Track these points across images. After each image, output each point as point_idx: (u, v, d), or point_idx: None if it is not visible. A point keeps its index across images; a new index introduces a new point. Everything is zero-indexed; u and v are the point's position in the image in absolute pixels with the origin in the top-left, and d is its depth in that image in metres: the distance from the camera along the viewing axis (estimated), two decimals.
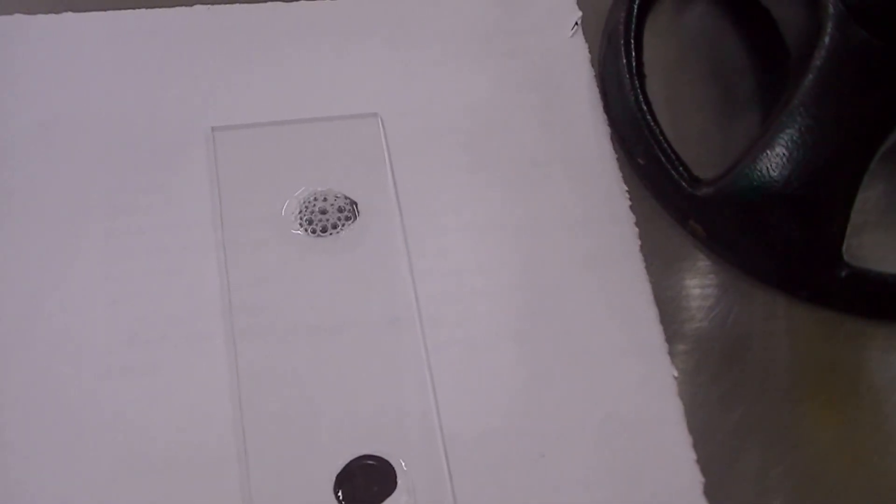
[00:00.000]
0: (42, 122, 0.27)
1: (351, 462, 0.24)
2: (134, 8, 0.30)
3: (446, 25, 0.30)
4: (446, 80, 0.29)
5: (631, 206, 0.28)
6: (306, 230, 0.27)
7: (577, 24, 0.31)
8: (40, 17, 0.29)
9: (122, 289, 0.25)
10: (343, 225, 0.27)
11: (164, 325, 0.25)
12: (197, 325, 0.25)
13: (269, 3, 0.30)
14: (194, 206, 0.26)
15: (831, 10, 0.27)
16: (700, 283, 0.28)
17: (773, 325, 0.28)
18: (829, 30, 0.27)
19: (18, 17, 0.29)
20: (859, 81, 0.27)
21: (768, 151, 0.27)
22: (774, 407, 0.27)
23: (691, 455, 0.25)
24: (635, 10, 0.30)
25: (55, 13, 0.30)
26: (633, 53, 0.29)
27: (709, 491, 0.25)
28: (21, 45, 0.29)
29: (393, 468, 0.24)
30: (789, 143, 0.27)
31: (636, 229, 0.28)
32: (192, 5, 0.30)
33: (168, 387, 0.24)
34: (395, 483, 0.24)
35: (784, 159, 0.27)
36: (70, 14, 0.29)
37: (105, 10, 0.30)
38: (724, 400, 0.27)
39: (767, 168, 0.27)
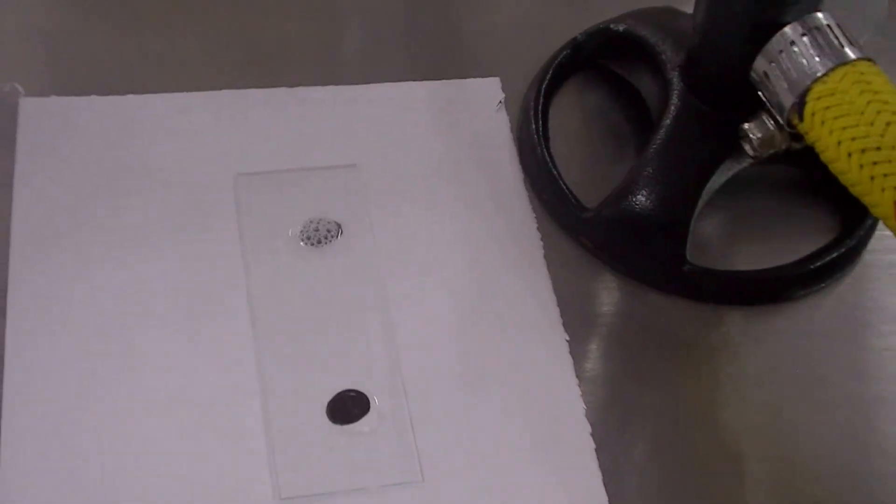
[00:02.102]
0: (107, 179, 0.38)
1: (338, 394, 0.34)
2: (177, 91, 0.41)
3: (406, 109, 0.42)
4: (409, 144, 0.41)
5: (538, 228, 0.39)
6: (306, 243, 0.38)
7: (500, 102, 0.42)
8: (111, 98, 0.40)
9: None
10: (331, 239, 0.38)
11: (198, 308, 0.36)
12: (226, 308, 0.36)
13: (280, 89, 0.42)
14: (226, 228, 0.37)
15: (676, 87, 0.39)
16: (588, 281, 0.39)
17: (640, 309, 0.38)
18: (674, 100, 0.39)
19: (94, 98, 0.40)
20: (695, 136, 0.38)
21: (632, 186, 0.38)
22: (646, 373, 0.37)
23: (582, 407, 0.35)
24: (542, 93, 0.42)
25: (119, 95, 0.41)
26: (540, 122, 0.41)
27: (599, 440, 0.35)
28: (93, 121, 0.40)
29: (367, 398, 0.34)
30: (647, 181, 0.38)
31: (542, 244, 0.39)
32: (220, 90, 0.41)
33: (205, 341, 0.35)
34: (369, 408, 0.34)
35: (644, 192, 0.38)
36: (132, 96, 0.41)
37: (151, 93, 0.41)
38: (609, 370, 0.37)
39: (632, 198, 0.38)
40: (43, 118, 0.39)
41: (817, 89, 0.34)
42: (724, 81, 0.37)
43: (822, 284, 0.40)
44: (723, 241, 0.41)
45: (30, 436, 0.32)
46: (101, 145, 0.39)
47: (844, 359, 0.39)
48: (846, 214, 0.41)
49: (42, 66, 0.42)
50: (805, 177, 0.42)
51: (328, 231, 0.38)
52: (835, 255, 0.40)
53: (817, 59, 0.34)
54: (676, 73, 0.39)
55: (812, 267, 0.39)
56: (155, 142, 0.39)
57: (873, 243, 0.41)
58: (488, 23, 0.46)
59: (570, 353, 0.36)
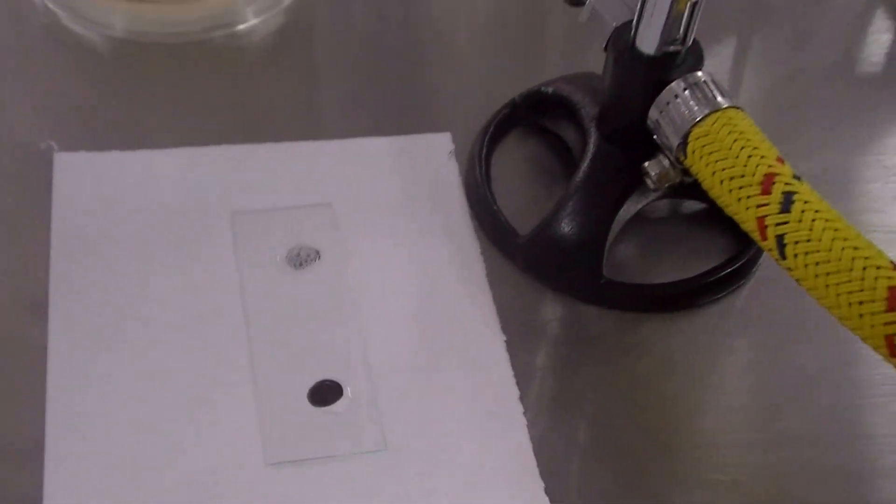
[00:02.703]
0: (130, 218, 0.47)
1: (317, 382, 0.43)
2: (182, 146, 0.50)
3: (373, 159, 0.50)
4: (375, 186, 0.49)
5: (481, 252, 0.47)
6: (291, 266, 0.46)
7: (451, 152, 0.51)
8: (130, 152, 0.49)
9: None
10: (311, 263, 0.46)
11: (205, 316, 0.44)
12: (226, 316, 0.44)
13: (268, 143, 0.50)
14: (226, 254, 0.46)
15: (592, 135, 0.48)
16: (521, 294, 0.47)
17: (564, 316, 0.47)
18: (591, 146, 0.47)
19: (115, 153, 0.49)
20: (607, 174, 0.47)
21: (557, 216, 0.47)
22: (570, 367, 0.45)
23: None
24: (485, 144, 0.50)
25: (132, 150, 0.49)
26: (483, 167, 0.49)
27: (530, 419, 0.43)
28: (116, 171, 0.48)
29: (341, 386, 0.43)
30: (568, 212, 0.46)
31: (484, 265, 0.47)
32: (219, 145, 0.50)
33: (195, 346, 0.43)
34: (342, 394, 0.42)
35: (566, 221, 0.46)
36: (147, 150, 0.49)
37: (156, 148, 0.50)
38: (537, 365, 0.45)
39: (556, 226, 0.46)
40: (75, 170, 0.48)
41: (696, 131, 0.43)
42: (629, 129, 0.46)
43: (722, 294, 0.48)
44: (638, 259, 0.49)
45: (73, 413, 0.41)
46: (123, 191, 0.47)
47: (743, 355, 0.46)
48: (740, 238, 0.49)
49: (73, 126, 0.50)
50: (706, 209, 0.50)
51: (308, 256, 0.46)
52: (730, 269, 0.48)
53: (696, 107, 0.43)
54: (593, 124, 0.48)
55: (712, 279, 0.48)
56: (167, 188, 0.48)
57: (765, 260, 0.49)
58: (442, 86, 0.55)
59: (507, 350, 0.45)
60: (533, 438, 0.42)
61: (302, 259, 0.46)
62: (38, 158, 0.49)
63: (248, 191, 0.48)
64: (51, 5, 0.56)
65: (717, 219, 0.47)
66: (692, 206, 0.50)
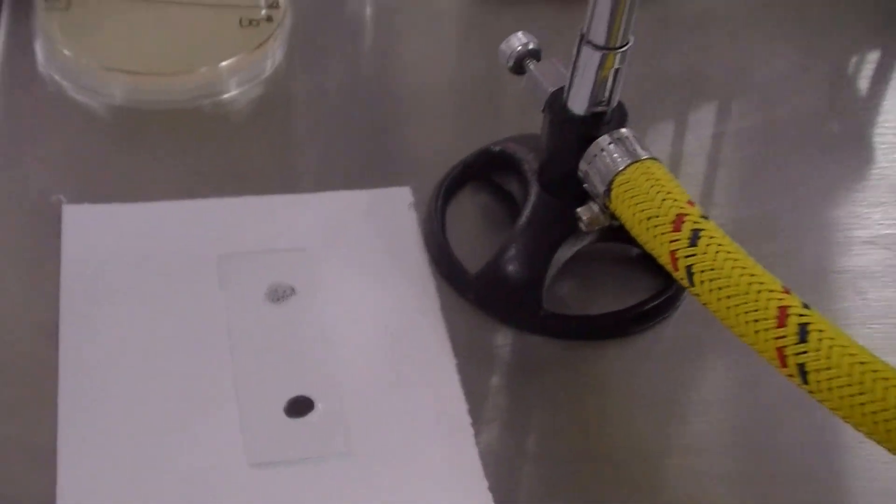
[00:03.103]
0: (132, 262, 0.53)
1: (292, 398, 0.49)
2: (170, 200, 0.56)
3: (342, 209, 0.57)
4: (343, 233, 0.56)
5: (436, 288, 0.54)
6: (271, 301, 0.53)
7: (411, 204, 0.58)
8: (130, 204, 0.56)
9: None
10: (288, 298, 0.53)
11: (196, 343, 0.50)
12: (215, 343, 0.50)
13: (250, 196, 0.57)
14: (213, 290, 0.52)
15: (534, 186, 0.54)
16: (472, 325, 0.54)
17: (509, 344, 0.53)
18: (532, 196, 0.54)
19: (117, 205, 0.56)
20: (546, 220, 0.54)
21: (502, 257, 0.53)
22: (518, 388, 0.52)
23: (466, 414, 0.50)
24: (441, 197, 0.57)
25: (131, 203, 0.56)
26: (439, 217, 0.56)
27: (478, 432, 0.49)
28: (119, 221, 0.55)
29: (313, 401, 0.49)
30: (512, 253, 0.53)
31: (438, 300, 0.54)
32: (207, 198, 0.56)
33: (183, 375, 0.49)
34: (314, 407, 0.49)
35: (509, 261, 0.53)
36: (145, 203, 0.56)
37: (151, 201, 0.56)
38: (487, 389, 0.52)
39: (501, 265, 0.53)
40: (81, 220, 0.54)
41: (618, 179, 0.49)
42: (563, 180, 0.52)
43: (650, 324, 0.54)
44: (576, 294, 0.55)
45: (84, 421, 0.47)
46: (125, 238, 0.54)
47: (669, 376, 0.53)
48: (665, 275, 0.55)
49: (79, 182, 0.57)
50: (634, 250, 0.57)
51: (285, 292, 0.53)
52: (657, 302, 0.54)
53: (619, 159, 0.50)
54: (534, 177, 0.55)
55: (641, 311, 0.54)
56: (163, 234, 0.54)
57: (688, 294, 0.56)
58: (405, 145, 0.61)
59: (458, 371, 0.51)
60: (480, 446, 0.48)
61: (279, 295, 0.53)
62: (48, 210, 0.55)
63: (233, 237, 0.55)
64: (57, 77, 0.62)
65: (645, 259, 0.54)
66: (623, 247, 0.57)
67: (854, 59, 0.72)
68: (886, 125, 0.68)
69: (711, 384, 0.53)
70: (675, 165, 0.63)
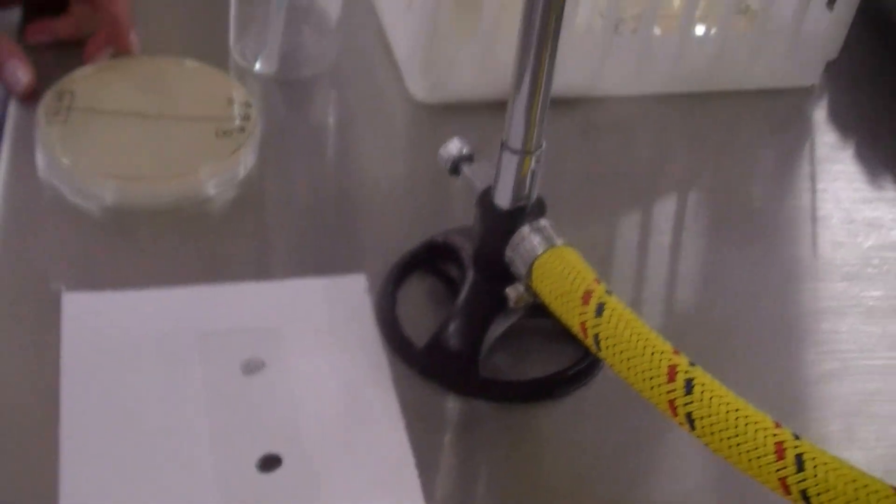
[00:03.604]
0: (125, 340, 0.62)
1: (263, 455, 0.57)
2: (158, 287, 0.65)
3: (306, 294, 0.66)
4: (307, 315, 0.64)
5: (387, 359, 0.63)
6: (244, 373, 0.61)
7: (366, 288, 0.67)
8: (122, 292, 0.64)
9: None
10: (259, 370, 0.61)
11: (179, 408, 0.59)
12: (195, 408, 0.59)
13: (228, 284, 0.66)
14: (195, 363, 0.61)
15: (470, 271, 0.63)
16: (418, 392, 0.62)
17: (452, 407, 0.62)
18: (469, 279, 0.63)
19: (110, 293, 0.64)
20: (480, 299, 0.62)
21: (442, 333, 0.62)
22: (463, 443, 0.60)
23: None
24: (392, 282, 0.66)
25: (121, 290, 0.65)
26: (390, 299, 0.65)
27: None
28: (113, 307, 0.64)
29: (280, 458, 0.57)
30: (452, 329, 0.62)
31: (389, 370, 0.62)
32: (190, 285, 0.65)
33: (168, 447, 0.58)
34: (282, 463, 0.57)
35: (449, 336, 0.62)
36: (135, 291, 0.64)
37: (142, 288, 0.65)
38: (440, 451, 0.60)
39: (442, 340, 0.62)
40: (79, 306, 0.63)
41: (537, 263, 0.58)
42: (493, 264, 0.61)
43: (575, 387, 0.63)
44: (509, 362, 0.63)
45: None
46: (117, 320, 0.62)
47: (595, 432, 0.61)
48: None
49: (76, 273, 0.65)
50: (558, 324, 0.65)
51: (257, 365, 0.61)
52: (579, 367, 0.63)
53: (538, 245, 0.59)
54: (470, 262, 0.64)
55: (566, 376, 0.62)
56: (150, 317, 0.63)
57: None
58: (363, 237, 0.70)
59: (406, 430, 0.59)
60: (425, 495, 0.56)
61: (252, 368, 0.61)
62: (50, 297, 0.63)
63: (212, 319, 0.63)
64: (56, 182, 0.71)
65: (567, 330, 0.62)
66: (547, 322, 0.65)
67: (752, 156, 0.82)
68: (780, 209, 0.78)
69: (629, 435, 0.61)
70: (596, 250, 0.72)
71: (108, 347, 0.61)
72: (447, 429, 0.61)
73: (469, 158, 0.64)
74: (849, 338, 0.69)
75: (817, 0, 0.85)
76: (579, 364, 0.63)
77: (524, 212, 0.60)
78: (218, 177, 0.71)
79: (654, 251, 0.74)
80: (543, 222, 0.60)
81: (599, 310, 0.55)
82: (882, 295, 0.72)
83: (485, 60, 0.76)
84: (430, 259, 0.68)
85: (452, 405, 0.62)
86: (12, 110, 0.76)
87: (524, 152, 0.58)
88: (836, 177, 0.82)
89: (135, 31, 0.78)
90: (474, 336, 0.62)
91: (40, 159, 0.72)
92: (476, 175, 0.62)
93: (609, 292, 0.56)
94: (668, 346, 0.54)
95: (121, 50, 0.78)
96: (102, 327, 0.62)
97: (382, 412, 0.60)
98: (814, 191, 0.81)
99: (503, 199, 0.60)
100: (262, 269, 0.68)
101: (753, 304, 0.70)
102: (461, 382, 0.62)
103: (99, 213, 0.70)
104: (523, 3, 0.53)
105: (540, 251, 0.58)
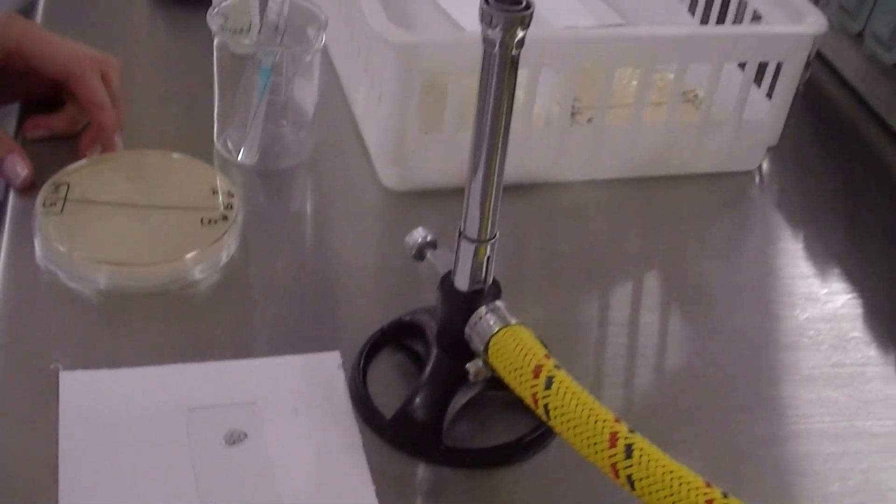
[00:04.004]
0: (119, 417, 0.67)
1: None
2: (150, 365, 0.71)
3: (285, 370, 0.72)
4: (286, 388, 0.70)
5: (359, 430, 0.68)
6: (227, 444, 0.67)
7: (340, 365, 0.72)
8: (116, 370, 0.70)
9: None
10: (241, 441, 0.67)
11: (169, 475, 0.64)
12: (183, 475, 0.64)
13: (213, 362, 0.71)
14: (182, 435, 0.66)
15: (434, 348, 0.69)
16: (387, 459, 0.67)
17: (418, 473, 0.67)
18: (433, 355, 0.69)
19: (104, 371, 0.70)
20: (443, 373, 0.68)
21: (408, 405, 0.68)
22: None
23: None
24: (363, 358, 0.71)
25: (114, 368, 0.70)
26: (361, 374, 0.70)
27: None
28: (107, 385, 0.69)
29: None
30: (417, 402, 0.68)
31: (361, 439, 0.68)
32: (177, 364, 0.71)
33: None
34: None
35: (415, 408, 0.67)
36: (128, 369, 0.70)
37: (135, 366, 0.70)
38: None
39: (408, 412, 0.67)
40: (76, 383, 0.69)
41: (493, 340, 0.64)
42: (455, 341, 0.67)
43: (531, 453, 0.68)
44: (471, 431, 0.68)
45: None
46: (111, 396, 0.68)
47: (552, 493, 0.66)
48: None
49: (72, 353, 0.71)
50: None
51: (239, 436, 0.67)
52: (535, 435, 0.68)
53: (493, 324, 0.65)
54: (434, 340, 0.70)
55: (523, 443, 0.68)
56: (142, 393, 0.68)
57: None
58: (337, 318, 0.76)
59: (376, 495, 0.65)
60: None
61: (235, 439, 0.67)
62: (48, 375, 0.69)
63: (198, 394, 0.69)
64: (52, 267, 0.76)
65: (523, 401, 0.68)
66: (505, 394, 0.71)
67: (700, 235, 0.89)
68: (725, 285, 0.84)
69: (584, 496, 0.67)
70: (557, 326, 0.77)
71: (104, 422, 0.67)
72: (415, 495, 0.66)
73: (432, 245, 0.70)
74: (787, 403, 0.75)
75: (758, 90, 0.92)
76: (536, 431, 0.69)
77: (482, 294, 0.66)
78: (203, 262, 0.77)
79: (611, 326, 0.80)
80: (499, 303, 0.66)
81: (548, 382, 0.61)
82: (817, 364, 0.78)
83: (449, 151, 0.82)
84: (399, 336, 0.74)
85: (420, 472, 0.67)
86: (12, 201, 0.82)
87: (479, 241, 0.64)
88: (776, 253, 0.88)
89: (119, 134, 0.85)
90: (439, 407, 0.67)
91: (38, 246, 0.77)
92: (438, 260, 0.69)
93: (557, 367, 0.62)
94: (610, 415, 0.59)
95: (107, 151, 0.84)
96: (98, 403, 0.67)
97: (354, 479, 0.65)
98: (756, 267, 0.87)
99: (462, 283, 0.66)
100: (244, 348, 0.73)
101: (700, 373, 0.76)
102: (427, 451, 0.67)
103: (93, 296, 0.75)
104: (475, 111, 0.59)
105: (495, 330, 0.64)
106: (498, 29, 0.55)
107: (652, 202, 0.91)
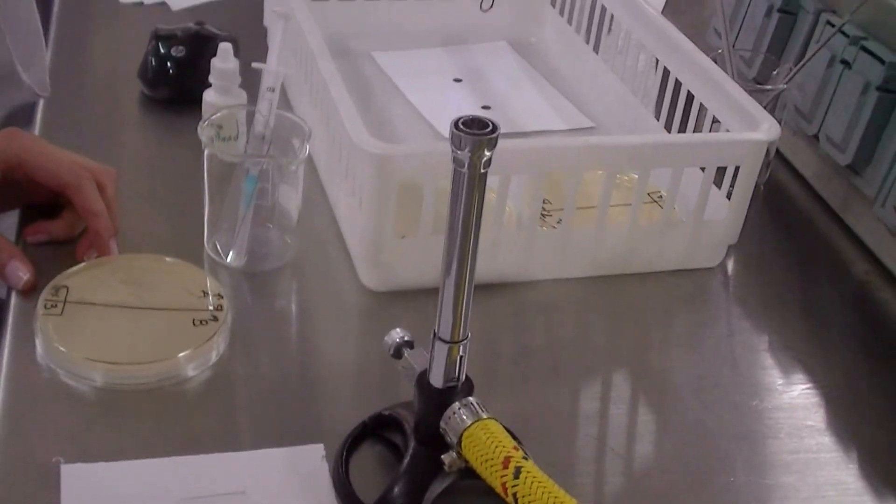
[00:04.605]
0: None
1: None
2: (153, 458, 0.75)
3: (272, 462, 0.76)
4: (275, 477, 0.75)
5: None
6: None
7: (323, 457, 0.77)
8: (115, 462, 0.74)
9: None
10: None
11: None
12: None
13: (199, 455, 0.76)
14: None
15: (412, 440, 0.74)
16: None
17: None
18: (411, 446, 0.74)
19: (103, 464, 0.74)
20: (420, 463, 0.73)
21: (389, 492, 0.72)
22: None
23: None
24: (345, 449, 0.76)
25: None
26: (343, 465, 0.75)
27: None
28: (108, 477, 0.74)
29: None
30: (397, 489, 0.72)
31: None
32: (170, 456, 0.75)
33: None
34: None
35: (394, 498, 0.72)
36: (129, 462, 0.75)
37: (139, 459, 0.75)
38: None
39: (390, 499, 0.72)
40: (76, 476, 0.73)
41: (466, 433, 0.69)
42: (431, 434, 0.72)
43: None
44: None
45: None
46: (110, 488, 0.72)
47: None
48: None
49: (72, 447, 0.75)
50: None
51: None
52: None
53: (466, 419, 0.70)
54: (412, 432, 0.75)
55: None
56: (140, 483, 0.73)
57: None
58: (321, 412, 0.81)
59: None
60: None
61: None
62: (50, 468, 0.74)
63: (190, 486, 0.74)
64: (52, 366, 0.81)
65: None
66: (479, 483, 0.75)
67: (664, 329, 0.95)
68: (687, 376, 0.89)
69: None
70: (528, 418, 0.82)
71: None
72: None
73: (409, 344, 0.75)
74: (745, 489, 0.80)
75: (718, 191, 0.98)
76: None
77: (455, 391, 0.71)
78: (195, 361, 0.82)
79: (580, 417, 0.85)
80: (471, 399, 0.71)
81: (517, 472, 0.66)
82: (772, 451, 0.83)
83: (425, 254, 0.88)
84: (379, 429, 0.78)
85: None
86: (14, 302, 0.87)
87: (452, 342, 0.69)
88: (736, 346, 0.94)
89: (114, 239, 0.90)
90: (416, 496, 0.72)
91: (39, 346, 0.82)
92: (414, 359, 0.74)
93: (525, 457, 0.67)
94: (574, 502, 0.64)
95: (102, 255, 0.90)
96: (98, 495, 0.72)
97: None
98: (717, 359, 0.92)
99: (437, 380, 0.71)
100: (233, 440, 0.78)
101: (665, 462, 0.81)
102: None
103: (91, 392, 0.80)
104: (447, 222, 0.65)
105: (468, 424, 0.69)
106: (466, 150, 0.61)
107: (618, 299, 0.97)
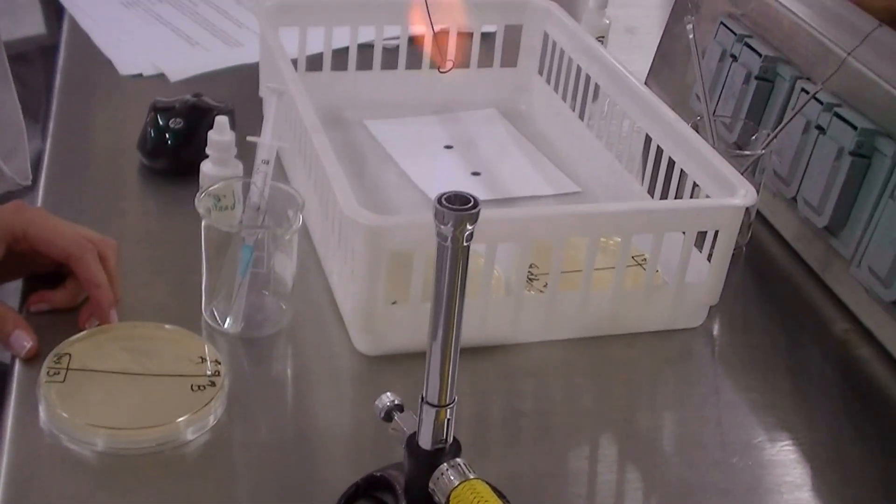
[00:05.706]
0: None
1: None
2: None
3: None
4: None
5: None
6: None
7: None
8: None
9: None
10: None
11: None
12: None
13: None
14: None
15: (402, 500, 0.77)
16: None
17: None
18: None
19: None
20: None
21: None
22: None
23: None
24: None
25: None
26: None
27: None
28: None
29: None
30: None
31: None
32: None
33: None
34: None
35: None
36: None
37: None
38: None
39: None
40: None
41: (453, 494, 0.72)
42: (419, 494, 0.74)
43: None
44: None
45: None
46: None
47: None
48: None
49: None
50: None
51: None
52: None
53: (454, 479, 0.72)
54: (403, 493, 0.77)
55: None
56: None
57: None
58: (314, 472, 0.84)
59: None
60: None
61: None
62: None
63: None
64: (55, 431, 0.84)
65: None
66: None
67: (648, 390, 0.98)
68: (670, 435, 0.92)
69: None
70: (517, 479, 0.85)
71: None
72: None
73: (399, 408, 0.78)
74: None
75: (698, 254, 1.01)
76: None
77: (443, 452, 0.74)
78: (194, 425, 0.85)
79: (568, 477, 0.88)
80: (459, 460, 0.73)
81: None
82: None
83: (415, 320, 0.91)
84: (371, 490, 0.81)
85: None
86: (18, 370, 0.90)
87: (440, 406, 0.72)
88: (718, 404, 0.97)
89: (115, 307, 0.94)
90: None
91: (42, 412, 0.84)
92: (404, 422, 0.77)
93: None
94: None
95: (103, 324, 0.93)
96: None
97: None
98: (700, 418, 0.95)
99: (425, 443, 0.74)
100: (231, 503, 0.80)
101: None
102: None
103: (93, 457, 0.83)
104: (433, 293, 0.68)
105: (455, 484, 0.72)
106: (449, 225, 0.64)
107: (604, 360, 0.99)
